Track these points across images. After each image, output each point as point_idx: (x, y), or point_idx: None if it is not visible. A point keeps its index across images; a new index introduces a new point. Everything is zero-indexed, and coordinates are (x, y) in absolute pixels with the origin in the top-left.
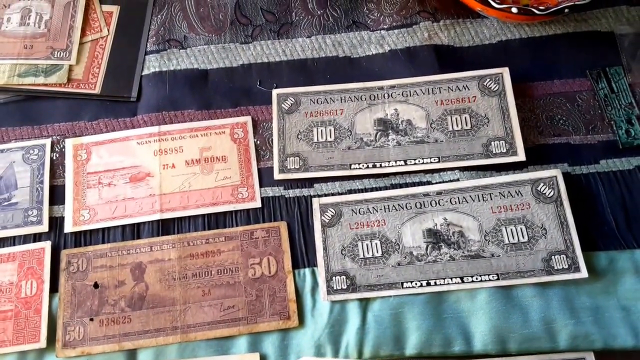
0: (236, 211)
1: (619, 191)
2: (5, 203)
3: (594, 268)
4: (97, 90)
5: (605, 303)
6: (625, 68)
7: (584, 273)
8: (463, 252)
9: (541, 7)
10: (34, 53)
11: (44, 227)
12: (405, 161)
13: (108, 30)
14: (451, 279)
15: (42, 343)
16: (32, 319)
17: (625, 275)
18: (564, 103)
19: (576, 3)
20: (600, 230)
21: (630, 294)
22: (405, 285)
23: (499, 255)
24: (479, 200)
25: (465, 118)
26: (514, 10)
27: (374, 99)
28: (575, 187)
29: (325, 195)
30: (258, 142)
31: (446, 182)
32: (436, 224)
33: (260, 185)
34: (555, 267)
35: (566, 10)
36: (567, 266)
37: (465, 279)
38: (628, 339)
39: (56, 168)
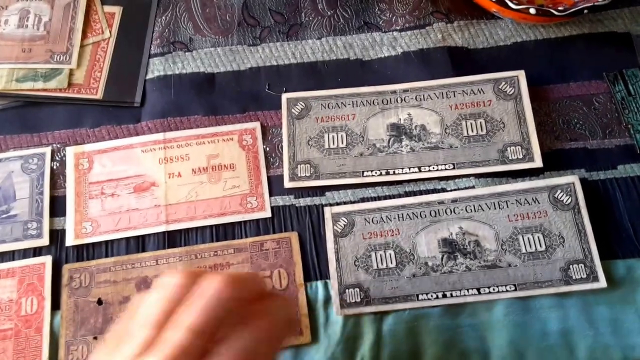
0: (245, 221)
1: (636, 197)
2: (4, 215)
3: (612, 277)
4: (99, 95)
5: (624, 313)
6: None
7: (602, 283)
8: (479, 262)
9: (560, 8)
10: (33, 57)
11: (45, 241)
12: (419, 168)
13: (110, 32)
14: (467, 290)
15: None
16: (33, 338)
17: None
18: (580, 106)
19: (595, 4)
20: (617, 237)
21: None
22: (420, 297)
23: (516, 265)
24: (495, 208)
25: (481, 123)
26: (532, 11)
27: (387, 104)
28: (592, 194)
29: (337, 203)
30: (267, 148)
31: (461, 189)
32: (451, 233)
33: (270, 194)
34: (574, 277)
35: (585, 10)
36: (585, 276)
37: (482, 290)
38: None
39: (57, 178)
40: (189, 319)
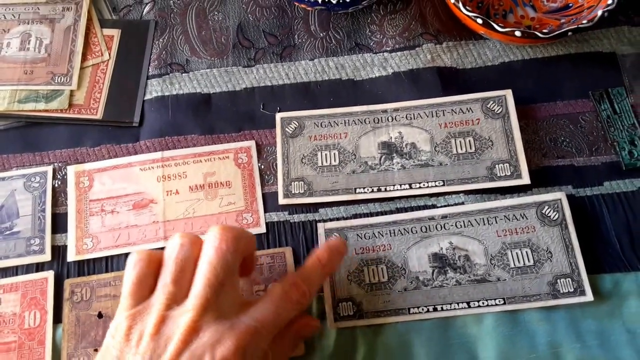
0: None
1: (622, 213)
2: (7, 232)
3: (599, 291)
4: (99, 115)
5: (611, 326)
6: (627, 89)
7: (589, 296)
8: (469, 277)
9: (545, 30)
10: (35, 78)
11: (47, 256)
12: (410, 185)
13: (109, 54)
14: (457, 304)
15: None
16: (35, 351)
17: (631, 297)
18: (567, 124)
19: (579, 26)
20: (604, 252)
21: (636, 316)
22: (412, 310)
23: (505, 279)
24: (484, 224)
25: (469, 141)
26: (518, 33)
27: (378, 122)
28: (579, 210)
29: (331, 220)
30: (262, 166)
31: (451, 205)
32: (442, 248)
33: (265, 211)
34: (561, 291)
35: (569, 33)
36: (572, 290)
37: (471, 304)
38: None
39: (58, 196)
40: (204, 275)
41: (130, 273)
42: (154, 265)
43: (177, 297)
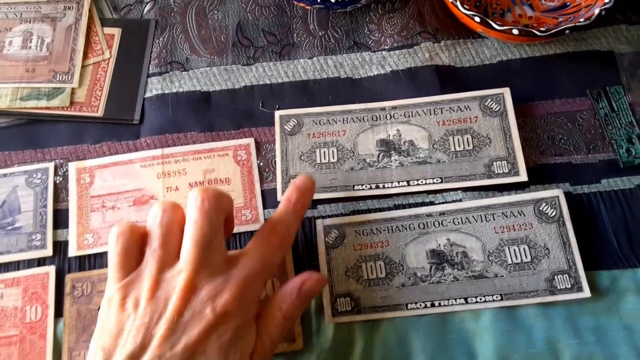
0: (240, 233)
1: (620, 210)
2: (9, 227)
3: (596, 287)
4: (99, 113)
5: (608, 322)
6: (625, 87)
7: (586, 293)
8: (467, 273)
9: (542, 29)
10: (36, 76)
11: (48, 252)
12: (408, 182)
13: (110, 52)
14: (455, 299)
15: None
16: (37, 344)
17: (628, 294)
18: (565, 122)
19: (577, 24)
20: (602, 249)
21: (633, 313)
22: (409, 306)
23: (503, 276)
24: (482, 221)
25: (467, 138)
26: (515, 31)
27: (376, 120)
28: (577, 207)
29: (329, 216)
30: (261, 163)
31: (449, 202)
32: (439, 245)
33: (264, 207)
34: (559, 287)
35: (567, 31)
36: (570, 286)
37: (469, 300)
38: (630, 358)
39: (59, 192)
40: (192, 235)
41: (115, 246)
42: (137, 236)
43: (168, 261)
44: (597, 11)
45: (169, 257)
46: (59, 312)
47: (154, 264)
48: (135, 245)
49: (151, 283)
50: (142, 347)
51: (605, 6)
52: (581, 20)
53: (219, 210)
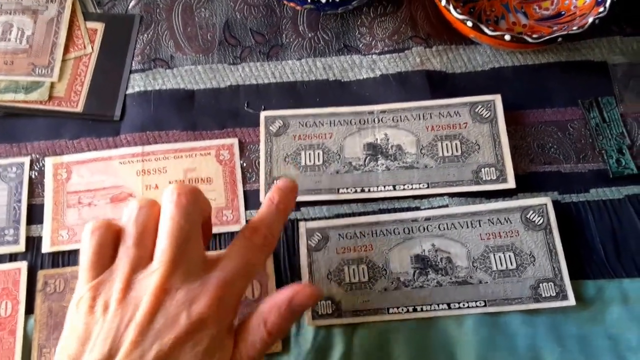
0: (220, 234)
1: (608, 220)
2: None
3: (581, 296)
4: (79, 108)
5: (592, 332)
6: (617, 98)
7: (571, 301)
8: (450, 278)
9: (534, 36)
10: (15, 69)
11: (21, 247)
12: (394, 186)
13: (92, 47)
14: (438, 305)
15: None
16: (6, 340)
17: (613, 304)
18: (555, 131)
19: (570, 32)
20: (589, 258)
21: (618, 323)
22: (391, 310)
23: (487, 282)
24: (468, 227)
25: (456, 144)
26: (507, 37)
27: (364, 124)
28: (565, 216)
29: (313, 219)
30: (244, 164)
31: (435, 208)
32: (424, 250)
33: (246, 208)
34: (543, 295)
35: (559, 39)
36: (554, 294)
37: (452, 305)
38: None
39: (35, 187)
40: (167, 231)
41: (88, 243)
42: (112, 233)
43: (142, 260)
44: (590, 20)
45: (144, 257)
46: (30, 309)
47: (127, 263)
48: (110, 243)
49: (123, 284)
50: (110, 356)
51: (599, 15)
52: (574, 28)
53: (197, 205)
